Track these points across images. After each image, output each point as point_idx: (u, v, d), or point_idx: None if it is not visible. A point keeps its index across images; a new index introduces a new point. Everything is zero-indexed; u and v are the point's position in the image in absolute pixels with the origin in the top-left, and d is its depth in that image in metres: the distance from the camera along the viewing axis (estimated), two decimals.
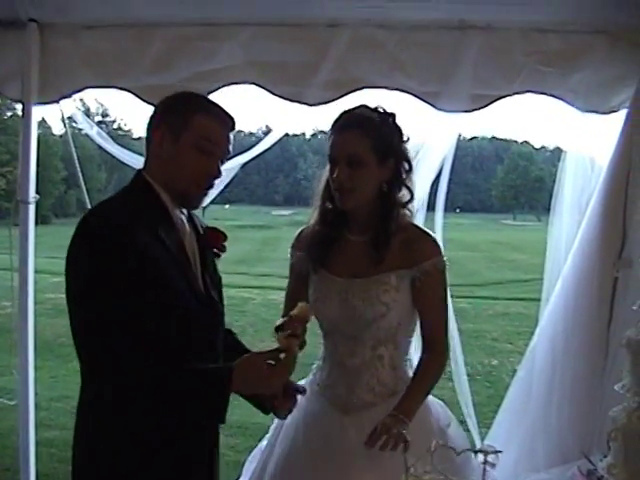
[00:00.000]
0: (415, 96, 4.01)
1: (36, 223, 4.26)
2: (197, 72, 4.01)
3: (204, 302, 2.56)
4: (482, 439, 4.33)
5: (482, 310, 15.98)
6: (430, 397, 3.03)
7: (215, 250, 2.71)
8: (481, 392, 8.56)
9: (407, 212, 3.03)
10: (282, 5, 3.89)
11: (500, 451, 2.34)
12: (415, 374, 2.96)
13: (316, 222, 3.10)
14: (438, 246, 3.00)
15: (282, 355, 2.44)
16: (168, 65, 4.02)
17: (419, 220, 4.02)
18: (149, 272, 2.35)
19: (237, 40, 3.98)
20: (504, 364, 11.04)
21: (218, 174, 2.56)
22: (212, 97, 3.78)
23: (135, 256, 2.32)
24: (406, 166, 2.98)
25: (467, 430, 5.84)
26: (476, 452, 2.47)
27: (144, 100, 3.97)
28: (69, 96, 4.20)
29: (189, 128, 2.48)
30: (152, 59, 4.03)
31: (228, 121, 2.57)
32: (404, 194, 2.99)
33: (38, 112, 4.24)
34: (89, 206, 4.12)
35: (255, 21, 3.98)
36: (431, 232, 3.09)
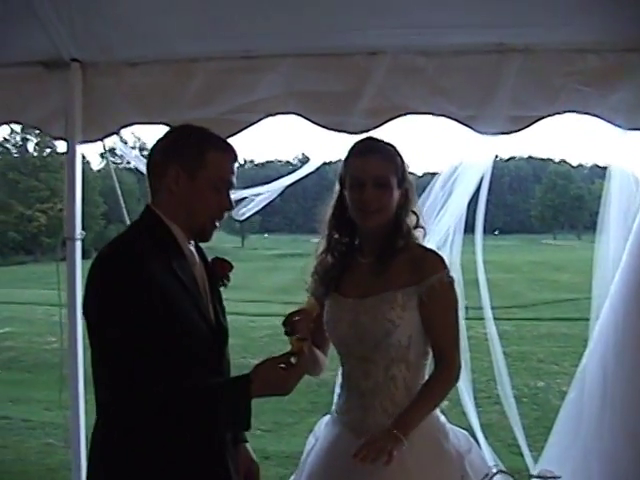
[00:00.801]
0: (456, 120, 4.02)
1: (63, 259, 4.31)
2: (239, 104, 4.06)
3: (215, 330, 2.68)
4: (535, 462, 4.26)
5: (526, 332, 15.82)
6: (450, 425, 3.05)
7: (222, 280, 2.83)
8: (528, 415, 8.45)
9: (416, 235, 3.10)
10: (321, 35, 3.94)
11: (559, 476, 2.30)
12: (420, 389, 2.94)
13: (324, 252, 3.18)
14: (443, 262, 3.01)
15: (293, 358, 2.59)
16: (210, 99, 4.07)
17: (457, 242, 4.11)
18: (164, 303, 2.44)
19: (277, 71, 4.03)
20: (551, 386, 10.90)
21: (231, 207, 2.69)
22: (253, 128, 3.99)
23: (151, 288, 2.42)
24: (414, 194, 3.12)
25: (518, 454, 5.77)
26: (534, 477, 2.45)
27: None
28: (114, 133, 4.27)
29: (204, 166, 2.58)
30: (194, 93, 4.09)
31: (234, 155, 2.69)
32: (412, 218, 3.08)
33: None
34: None
35: (294, 52, 4.02)
36: (436, 250, 3.15)
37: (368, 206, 2.98)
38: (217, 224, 2.70)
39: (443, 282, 2.94)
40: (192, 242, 2.72)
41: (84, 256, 4.35)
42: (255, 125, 4.09)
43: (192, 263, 2.69)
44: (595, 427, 3.95)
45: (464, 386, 4.33)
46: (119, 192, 4.93)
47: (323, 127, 4.05)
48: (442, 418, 3.06)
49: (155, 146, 2.69)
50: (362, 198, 2.98)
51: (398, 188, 3.02)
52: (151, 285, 2.43)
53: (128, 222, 4.66)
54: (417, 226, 3.10)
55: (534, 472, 3.83)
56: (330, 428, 3.18)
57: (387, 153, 3.04)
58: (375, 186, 2.98)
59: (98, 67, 4.20)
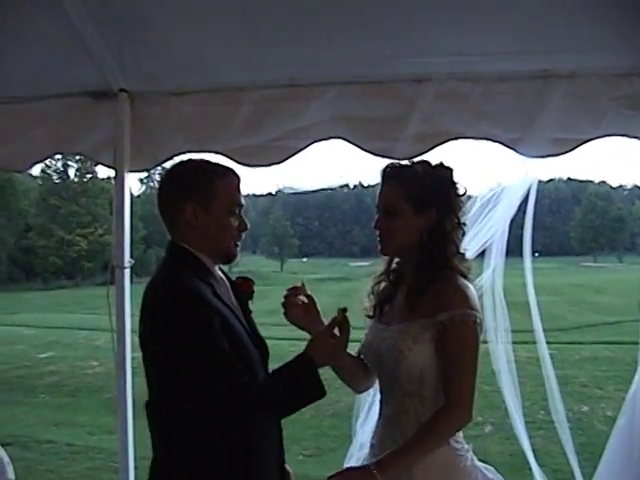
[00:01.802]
0: (500, 143, 4.02)
1: (112, 283, 4.34)
2: (286, 131, 4.10)
3: (258, 343, 2.87)
4: None
5: (568, 355, 15.61)
6: (476, 463, 3.00)
7: (248, 297, 3.00)
8: (573, 440, 8.31)
9: (463, 265, 3.04)
10: (367, 63, 3.96)
11: None
12: (416, 430, 2.89)
13: (381, 275, 3.23)
14: (465, 298, 2.90)
15: (336, 330, 2.86)
16: (258, 126, 4.12)
17: (500, 265, 4.06)
18: (224, 328, 2.64)
19: (323, 99, 4.05)
20: (595, 410, 10.77)
21: (246, 226, 2.88)
22: (302, 154, 4.10)
23: (211, 308, 2.63)
24: (453, 219, 3.04)
25: None
26: None
27: (237, 162, 4.07)
28: (164, 162, 4.33)
29: (216, 197, 2.77)
30: (241, 121, 4.13)
31: (238, 177, 2.87)
32: (450, 248, 3.01)
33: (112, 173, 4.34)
34: None
35: (340, 80, 4.04)
36: (469, 284, 2.99)
37: (378, 233, 3.07)
38: (238, 244, 2.89)
39: (456, 320, 2.85)
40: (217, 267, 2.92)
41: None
42: (303, 151, 4.13)
43: (224, 286, 2.89)
44: None
45: (515, 411, 4.29)
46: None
47: (370, 153, 4.07)
48: (464, 462, 2.98)
49: (163, 187, 2.87)
50: (373, 226, 3.08)
51: (417, 213, 3.00)
52: (209, 306, 2.63)
53: None
54: (455, 255, 3.03)
55: None
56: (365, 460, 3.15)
57: (401, 178, 3.04)
58: (385, 214, 3.06)
59: (146, 97, 4.26)
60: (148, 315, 2.67)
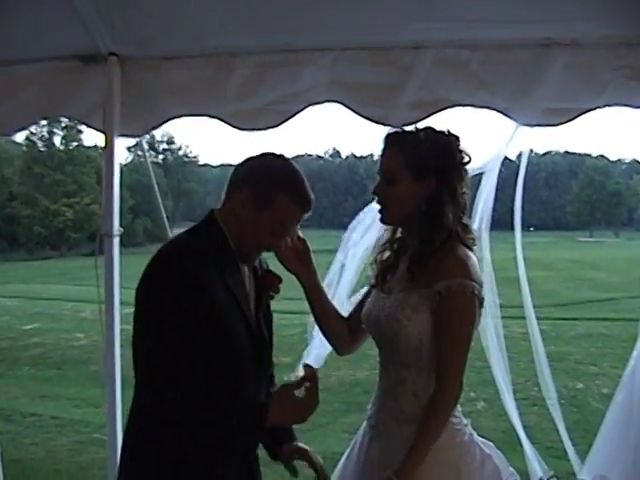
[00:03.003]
0: (498, 111, 3.96)
1: (101, 253, 4.25)
2: (281, 95, 4.04)
3: (256, 339, 2.77)
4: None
5: (563, 331, 15.63)
6: (474, 438, 2.98)
7: (270, 292, 2.93)
8: (567, 417, 8.30)
9: (466, 236, 2.99)
10: (365, 29, 3.89)
11: None
12: (417, 428, 2.82)
13: (385, 244, 3.18)
14: (464, 269, 2.85)
15: (307, 384, 2.64)
16: (252, 91, 4.06)
17: (485, 238, 3.95)
18: (212, 311, 2.57)
19: (320, 64, 3.99)
20: (590, 387, 10.78)
21: (275, 247, 2.89)
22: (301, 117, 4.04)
23: (202, 296, 2.56)
24: (454, 189, 2.97)
25: (557, 457, 5.66)
26: None
27: (232, 125, 4.06)
28: (156, 127, 4.30)
29: (271, 207, 2.71)
30: (236, 86, 4.06)
31: (307, 205, 2.78)
32: (450, 218, 2.93)
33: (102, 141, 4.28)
34: (170, 235, 4.19)
35: (337, 46, 3.98)
36: (470, 255, 2.92)
37: (378, 200, 3.02)
38: (260, 255, 2.88)
39: (453, 289, 2.80)
40: None
41: None
42: (297, 115, 4.07)
43: (243, 274, 2.82)
44: None
45: (505, 387, 4.25)
46: (156, 188, 4.96)
47: (366, 118, 4.01)
48: (462, 437, 2.96)
49: (245, 162, 2.82)
50: (372, 192, 3.04)
51: (417, 180, 2.94)
52: (202, 292, 2.57)
53: (164, 216, 4.69)
54: (460, 223, 2.98)
55: (584, 477, 3.74)
56: (362, 430, 3.18)
57: (402, 144, 2.99)
58: (384, 181, 3.00)
59: (136, 61, 4.18)
60: (141, 281, 2.63)
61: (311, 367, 2.70)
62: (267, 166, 2.78)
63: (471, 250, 2.96)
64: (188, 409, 2.54)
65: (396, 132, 3.10)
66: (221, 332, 2.61)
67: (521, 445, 4.26)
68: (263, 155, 2.82)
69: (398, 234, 3.15)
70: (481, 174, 4.00)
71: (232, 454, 2.69)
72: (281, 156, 2.84)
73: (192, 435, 2.56)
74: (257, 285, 2.89)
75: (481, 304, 2.89)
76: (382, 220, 3.08)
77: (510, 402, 4.30)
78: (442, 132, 3.03)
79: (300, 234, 3.14)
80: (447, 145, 2.99)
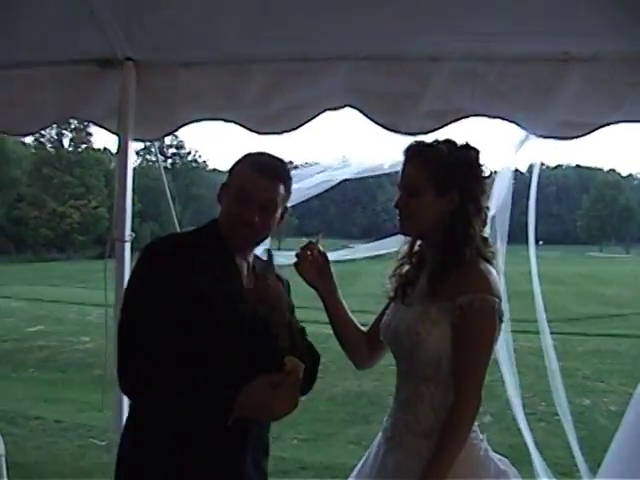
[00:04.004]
0: (514, 123, 3.95)
1: (109, 256, 4.24)
2: (298, 100, 4.06)
3: (247, 336, 2.72)
4: None
5: (571, 347, 15.53)
6: (490, 453, 2.94)
7: None
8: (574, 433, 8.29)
9: (489, 250, 2.97)
10: (382, 40, 3.88)
11: None
12: (436, 441, 2.79)
13: (404, 257, 3.15)
14: (486, 284, 2.82)
15: (289, 379, 2.57)
16: (269, 98, 4.07)
17: (500, 252, 3.93)
18: (188, 292, 2.62)
19: (336, 73, 3.99)
20: (597, 404, 10.68)
21: (249, 221, 2.75)
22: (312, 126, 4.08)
23: (177, 276, 2.62)
24: (476, 203, 2.95)
25: (564, 474, 5.61)
26: None
27: (248, 129, 4.08)
28: (171, 133, 4.33)
29: (231, 179, 2.83)
30: (252, 94, 4.08)
31: (262, 170, 2.79)
32: (473, 232, 2.92)
33: (111, 145, 4.34)
34: None
35: (354, 56, 3.97)
36: (491, 270, 2.90)
37: (399, 212, 2.99)
38: (246, 238, 2.82)
39: (474, 304, 2.77)
40: (250, 257, 2.92)
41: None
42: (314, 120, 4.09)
43: (242, 273, 2.85)
44: None
45: (516, 402, 4.23)
46: (168, 193, 4.94)
47: (381, 126, 4.00)
48: (477, 452, 2.91)
49: None
50: (395, 205, 3.00)
51: (440, 194, 2.91)
52: (176, 277, 2.63)
53: (175, 220, 4.69)
54: (475, 239, 2.93)
55: None
56: (377, 442, 3.14)
57: (424, 158, 2.96)
58: (407, 193, 2.97)
59: (153, 67, 4.19)
60: None
61: (296, 361, 2.62)
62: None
63: (491, 264, 2.94)
64: (144, 380, 2.62)
65: (418, 144, 3.04)
66: (198, 316, 2.63)
67: (529, 461, 4.23)
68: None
69: (416, 248, 3.14)
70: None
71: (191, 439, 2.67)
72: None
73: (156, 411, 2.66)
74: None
75: (501, 319, 2.87)
76: (402, 231, 3.07)
77: (521, 417, 4.28)
78: (463, 145, 3.01)
79: (320, 247, 3.17)
80: (469, 159, 2.97)
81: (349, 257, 4.71)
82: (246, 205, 2.76)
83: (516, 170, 4.40)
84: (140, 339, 2.61)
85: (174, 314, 2.60)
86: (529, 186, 4.33)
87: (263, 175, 2.78)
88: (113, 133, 4.26)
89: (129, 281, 2.80)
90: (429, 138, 3.11)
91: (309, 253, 3.16)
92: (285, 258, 3.57)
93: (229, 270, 2.80)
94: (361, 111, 4.01)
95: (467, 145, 3.01)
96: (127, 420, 2.87)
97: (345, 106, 4.04)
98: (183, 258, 2.67)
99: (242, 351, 2.72)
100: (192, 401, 2.56)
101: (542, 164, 4.23)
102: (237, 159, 2.88)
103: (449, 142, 3.01)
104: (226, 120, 4.12)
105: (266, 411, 2.60)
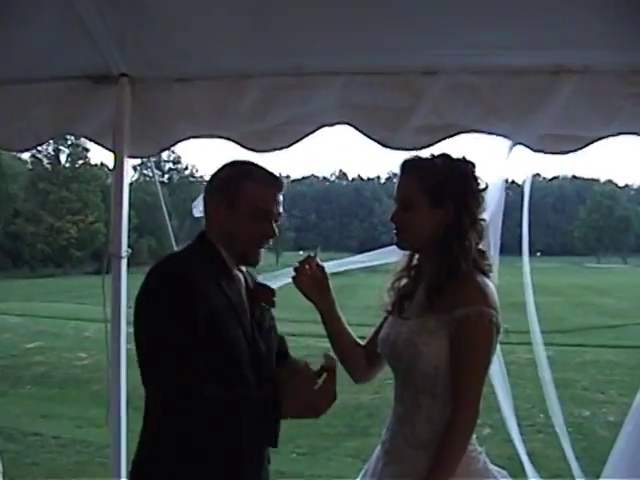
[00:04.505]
0: (508, 138, 3.96)
1: (107, 272, 4.23)
2: (293, 116, 4.06)
3: (252, 347, 2.80)
4: None
5: (569, 358, 15.53)
6: (489, 466, 2.94)
7: (264, 305, 2.97)
8: (573, 445, 8.26)
9: (485, 262, 2.98)
10: (375, 54, 3.88)
11: None
12: (435, 452, 2.79)
13: (402, 271, 3.17)
14: (482, 296, 2.83)
15: (321, 378, 2.63)
16: (264, 113, 4.06)
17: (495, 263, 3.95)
18: (212, 318, 2.63)
19: (331, 87, 3.99)
20: (596, 415, 10.66)
21: (273, 234, 2.86)
22: (308, 139, 4.07)
23: (202, 304, 2.61)
24: (472, 215, 2.97)
25: None
26: None
27: (243, 146, 4.06)
28: (167, 149, 4.32)
29: (241, 198, 2.80)
30: (247, 108, 4.07)
31: (275, 184, 2.87)
32: (469, 244, 2.93)
33: (108, 160, 4.33)
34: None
35: (348, 70, 3.98)
36: (488, 282, 2.92)
37: (395, 226, 3.01)
38: (260, 250, 2.89)
39: (471, 317, 2.78)
40: (242, 268, 2.95)
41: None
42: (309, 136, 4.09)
43: (240, 285, 2.89)
44: None
45: (508, 414, 4.22)
46: (164, 208, 4.95)
47: (376, 141, 4.01)
48: (476, 464, 2.91)
49: (210, 179, 2.93)
50: (390, 219, 3.03)
51: (435, 207, 2.94)
52: (200, 301, 2.62)
53: (172, 235, 4.69)
54: (471, 251, 2.95)
55: None
56: (376, 455, 3.15)
57: (419, 171, 2.99)
58: (402, 207, 3.01)
59: (148, 82, 4.18)
60: (138, 294, 2.70)
61: (332, 358, 2.70)
62: (223, 170, 2.91)
63: (488, 277, 2.95)
64: (191, 412, 2.56)
65: (412, 159, 3.07)
66: (220, 338, 2.65)
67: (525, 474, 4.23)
68: (219, 170, 2.92)
69: (414, 261, 3.15)
70: None
71: (241, 456, 2.72)
72: (233, 161, 2.95)
73: (201, 439, 2.60)
74: (249, 297, 2.92)
75: (498, 331, 2.87)
76: (398, 245, 3.08)
77: (514, 429, 4.27)
78: (458, 159, 3.03)
79: (319, 261, 3.19)
80: (464, 172, 2.99)
81: (346, 268, 4.71)
82: (269, 221, 2.85)
83: (512, 182, 4.41)
84: (197, 365, 2.57)
85: (206, 336, 2.61)
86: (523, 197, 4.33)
87: (279, 189, 2.88)
88: (109, 150, 4.26)
89: (158, 312, 2.63)
90: (424, 153, 3.13)
91: (307, 267, 3.18)
92: (285, 277, 3.60)
93: (236, 290, 2.85)
94: (355, 127, 4.02)
95: (462, 159, 3.03)
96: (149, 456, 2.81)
97: (339, 123, 4.05)
98: (198, 280, 2.67)
99: (255, 362, 2.80)
100: (254, 415, 2.56)
101: (538, 175, 4.26)
102: (230, 171, 2.89)
103: (444, 156, 3.04)
104: (220, 137, 4.12)
105: (312, 410, 2.62)
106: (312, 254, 3.21)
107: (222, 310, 2.69)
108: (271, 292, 3.00)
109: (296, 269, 3.19)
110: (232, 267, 2.87)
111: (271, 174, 2.88)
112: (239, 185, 2.81)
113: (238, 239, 2.82)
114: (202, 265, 2.74)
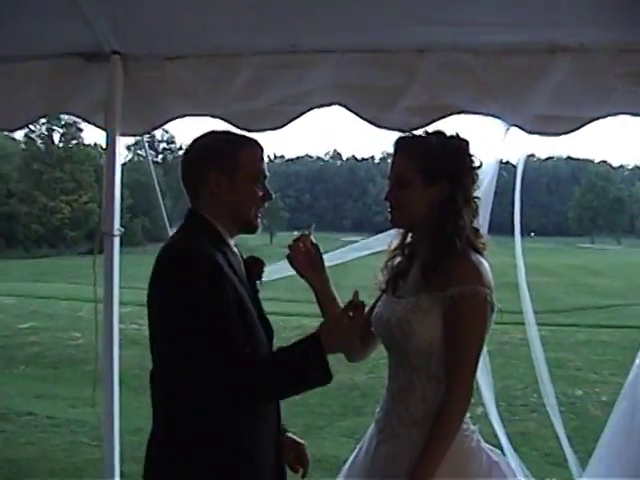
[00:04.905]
0: (501, 119, 3.94)
1: (100, 252, 4.22)
2: (285, 96, 4.04)
3: (264, 324, 2.85)
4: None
5: (563, 338, 15.55)
6: (482, 444, 2.95)
7: (257, 277, 2.99)
8: (566, 424, 8.29)
9: (480, 241, 2.98)
10: (369, 32, 3.87)
11: None
12: (429, 431, 2.79)
13: (396, 249, 3.17)
14: (477, 274, 2.84)
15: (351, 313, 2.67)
16: (257, 91, 4.06)
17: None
18: (234, 298, 2.64)
19: (324, 66, 3.98)
20: (589, 395, 10.69)
21: (271, 196, 2.90)
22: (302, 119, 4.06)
23: (225, 282, 2.62)
24: (466, 193, 2.96)
25: (555, 464, 5.64)
26: None
27: (236, 126, 4.00)
28: (158, 127, 4.31)
29: (240, 166, 2.81)
30: (240, 87, 4.06)
31: (259, 144, 2.91)
32: (463, 222, 2.93)
33: (101, 140, 4.31)
34: (169, 233, 4.22)
35: (342, 48, 3.96)
36: (482, 261, 2.91)
37: (390, 206, 3.00)
38: (259, 214, 2.90)
39: (466, 295, 2.78)
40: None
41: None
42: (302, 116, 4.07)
43: (239, 260, 2.90)
44: None
45: (487, 394, 4.25)
46: (157, 188, 4.93)
47: (369, 122, 4.00)
48: (469, 443, 2.92)
49: (187, 156, 2.90)
50: (384, 198, 3.02)
51: (428, 185, 2.93)
52: (223, 276, 2.63)
53: (165, 216, 4.67)
54: (471, 227, 2.97)
55: None
56: (369, 433, 3.15)
57: (412, 149, 2.98)
58: (396, 185, 3.00)
59: (139, 60, 4.16)
60: (159, 278, 2.66)
61: (357, 293, 2.70)
62: (212, 144, 2.88)
63: (482, 255, 2.94)
64: (253, 376, 2.58)
65: (406, 136, 3.08)
66: (244, 316, 2.68)
67: (523, 450, 4.25)
68: (196, 145, 2.90)
69: (408, 239, 3.14)
70: None
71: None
72: (204, 133, 2.93)
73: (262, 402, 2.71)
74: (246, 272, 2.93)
75: (493, 310, 2.87)
76: (392, 223, 3.08)
77: (493, 410, 4.31)
78: (452, 136, 3.02)
79: (313, 239, 3.19)
80: (458, 149, 2.98)
81: (343, 260, 4.72)
82: (264, 183, 2.88)
83: (507, 162, 4.39)
84: (241, 332, 2.62)
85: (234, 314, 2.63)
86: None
87: (262, 150, 2.89)
88: (100, 128, 4.24)
89: (190, 296, 2.58)
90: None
91: (301, 245, 3.16)
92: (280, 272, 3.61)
93: (239, 263, 2.87)
94: (348, 108, 4.01)
95: (456, 136, 3.02)
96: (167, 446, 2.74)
97: (332, 104, 4.04)
98: (215, 255, 2.67)
99: (268, 338, 2.86)
100: (296, 364, 2.61)
101: (533, 156, 4.24)
102: (218, 143, 2.87)
103: (438, 133, 3.03)
104: (213, 116, 4.09)
105: (348, 343, 2.70)
106: (306, 232, 3.21)
107: (238, 288, 2.70)
108: (262, 264, 3.01)
109: (290, 247, 3.18)
110: (229, 241, 2.85)
111: (251, 138, 2.93)
112: (236, 154, 2.82)
113: (242, 207, 2.83)
114: (207, 242, 2.73)
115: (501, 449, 4.02)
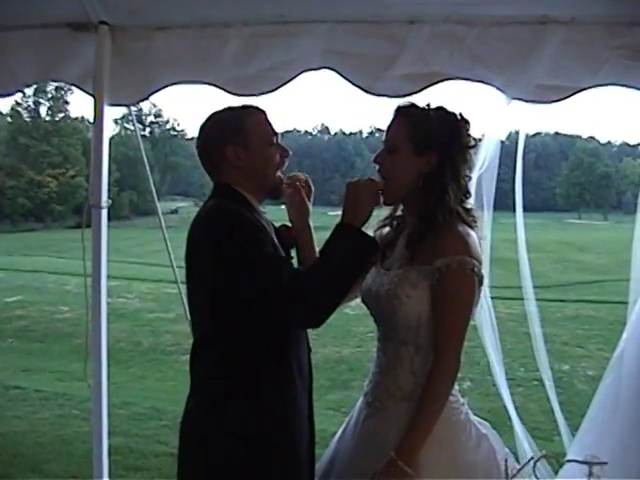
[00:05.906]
0: (492, 86, 3.94)
1: (88, 226, 4.21)
2: (276, 62, 4.04)
3: None
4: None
5: (550, 313, 15.60)
6: (470, 417, 2.96)
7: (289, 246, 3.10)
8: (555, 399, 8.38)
9: (469, 215, 2.96)
10: (360, 2, 3.88)
11: (605, 462, 2.23)
12: (417, 404, 2.80)
13: (384, 220, 3.17)
14: (464, 246, 2.81)
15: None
16: (247, 60, 4.05)
17: (487, 220, 3.97)
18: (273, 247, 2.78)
19: (314, 35, 3.97)
20: (576, 369, 10.75)
21: (288, 151, 3.03)
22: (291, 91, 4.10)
23: (266, 235, 2.78)
24: (456, 170, 2.93)
25: (542, 438, 5.66)
26: (580, 463, 2.38)
27: (227, 91, 4.05)
28: (147, 97, 4.25)
29: (250, 134, 2.91)
30: (229, 56, 4.05)
31: (259, 109, 3.00)
32: (448, 197, 2.90)
33: (89, 113, 4.29)
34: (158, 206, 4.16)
35: (331, 18, 3.95)
36: (470, 232, 2.89)
37: (379, 170, 2.99)
38: (282, 174, 3.03)
39: (452, 266, 2.77)
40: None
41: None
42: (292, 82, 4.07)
43: (270, 228, 2.99)
44: (634, 414, 3.82)
45: (498, 368, 4.26)
46: (145, 161, 4.90)
47: (359, 87, 4.00)
48: (458, 415, 2.93)
49: (201, 138, 2.98)
50: (373, 159, 3.02)
51: (418, 154, 2.91)
52: (265, 233, 2.78)
53: (154, 189, 4.64)
54: (461, 206, 2.95)
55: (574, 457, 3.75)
56: (357, 407, 3.16)
57: (410, 117, 2.97)
58: (387, 150, 2.98)
59: (128, 31, 4.14)
60: (201, 240, 2.77)
61: None
62: (217, 123, 2.97)
63: (472, 228, 2.92)
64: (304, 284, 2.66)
65: (407, 104, 3.04)
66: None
67: (508, 426, 4.27)
68: (203, 126, 2.98)
69: (398, 211, 3.14)
70: None
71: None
72: (209, 116, 3.00)
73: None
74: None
75: (481, 282, 2.86)
76: (384, 201, 3.02)
77: (502, 382, 4.31)
78: (454, 113, 2.99)
79: (310, 182, 3.26)
80: (455, 126, 2.95)
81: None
82: (278, 143, 2.99)
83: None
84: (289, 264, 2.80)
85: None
86: (509, 153, 4.32)
87: (264, 112, 2.99)
88: (89, 94, 4.20)
89: (236, 241, 2.69)
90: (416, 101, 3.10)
91: (297, 183, 3.18)
92: None
93: (268, 224, 2.96)
94: (338, 72, 4.00)
95: (459, 114, 2.99)
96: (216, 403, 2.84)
97: (322, 68, 4.02)
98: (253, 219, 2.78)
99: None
100: (340, 246, 2.75)
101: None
102: (225, 120, 2.95)
103: (440, 108, 3.00)
104: (203, 83, 4.10)
105: (372, 198, 2.86)
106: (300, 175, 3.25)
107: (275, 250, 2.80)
108: (293, 231, 3.14)
109: (289, 177, 3.17)
110: (259, 209, 2.94)
111: (250, 105, 3.03)
112: (243, 125, 2.91)
113: (267, 171, 2.95)
114: (242, 208, 2.81)
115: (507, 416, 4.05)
